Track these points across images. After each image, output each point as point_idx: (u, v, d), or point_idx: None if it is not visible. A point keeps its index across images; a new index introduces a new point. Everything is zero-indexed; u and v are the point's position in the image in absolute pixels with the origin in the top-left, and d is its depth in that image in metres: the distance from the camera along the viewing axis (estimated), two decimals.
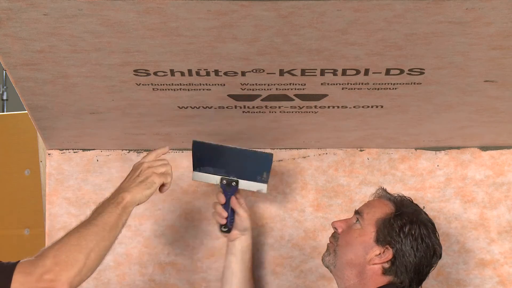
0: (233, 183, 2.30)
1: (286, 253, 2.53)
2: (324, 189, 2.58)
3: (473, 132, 2.44)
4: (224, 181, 2.30)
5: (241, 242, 2.36)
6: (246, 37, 1.75)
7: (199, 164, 2.33)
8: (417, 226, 2.17)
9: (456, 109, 2.23)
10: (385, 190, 2.28)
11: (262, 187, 2.32)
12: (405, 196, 2.26)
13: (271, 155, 2.32)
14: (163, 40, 1.76)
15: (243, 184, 2.31)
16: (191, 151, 2.38)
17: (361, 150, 2.58)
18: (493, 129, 2.42)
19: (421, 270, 2.17)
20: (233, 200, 2.31)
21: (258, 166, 2.31)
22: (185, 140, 2.48)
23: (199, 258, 2.56)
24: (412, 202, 2.26)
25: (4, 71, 4.77)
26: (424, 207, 2.49)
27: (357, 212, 2.23)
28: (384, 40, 1.77)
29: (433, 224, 2.22)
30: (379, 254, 2.15)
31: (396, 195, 2.25)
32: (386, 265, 2.15)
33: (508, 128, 2.41)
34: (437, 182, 2.57)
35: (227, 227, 2.33)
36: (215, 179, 2.31)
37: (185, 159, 2.56)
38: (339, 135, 2.48)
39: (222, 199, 2.31)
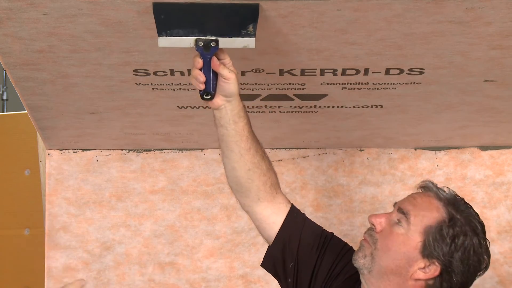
0: (212, 43, 1.81)
1: None
2: (324, 189, 2.58)
3: (473, 132, 2.44)
4: (201, 42, 1.82)
5: (228, 110, 1.88)
6: None
7: (165, 28, 1.80)
8: (469, 238, 1.86)
9: (456, 109, 2.23)
10: (434, 185, 1.95)
11: (248, 42, 1.80)
12: (455, 193, 1.94)
13: (257, 5, 1.78)
14: None
15: (225, 41, 1.81)
16: (191, 151, 2.38)
17: (361, 150, 2.59)
18: (493, 129, 2.42)
19: (468, 284, 1.88)
20: (213, 61, 1.83)
21: (242, 19, 1.81)
22: (185, 140, 2.48)
23: (199, 258, 2.56)
24: (464, 201, 1.94)
25: (4, 71, 4.77)
26: None
27: (400, 210, 1.89)
28: (384, 40, 1.77)
29: (483, 228, 1.91)
30: (424, 267, 1.84)
31: (445, 191, 1.93)
32: (431, 282, 1.85)
33: (507, 128, 2.41)
34: (437, 182, 2.56)
35: (209, 93, 1.87)
36: (189, 41, 1.82)
37: (185, 159, 2.56)
38: (339, 135, 2.48)
39: (199, 62, 1.83)
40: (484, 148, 2.58)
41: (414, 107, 2.21)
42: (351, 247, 2.03)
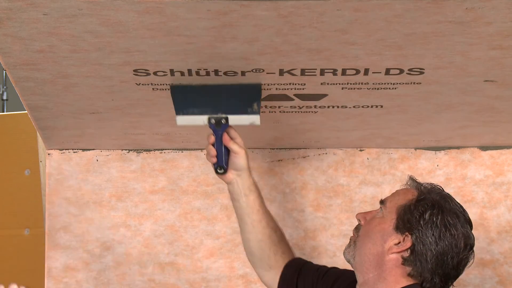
0: (223, 120, 2.09)
1: None
2: (324, 189, 2.58)
3: (473, 132, 2.44)
4: (213, 120, 2.09)
5: (239, 184, 2.14)
6: (246, 37, 1.75)
7: (182, 107, 2.10)
8: (440, 212, 1.97)
9: (456, 109, 2.23)
10: (413, 179, 2.09)
11: (254, 119, 2.08)
12: (436, 185, 2.06)
13: (259, 84, 2.07)
14: (163, 40, 1.76)
15: (234, 119, 2.09)
16: (191, 151, 2.38)
17: (361, 150, 2.59)
18: (493, 129, 2.42)
19: (445, 261, 1.96)
20: (224, 136, 2.09)
21: (247, 98, 2.08)
22: (185, 140, 2.48)
23: (199, 258, 2.56)
24: (443, 190, 2.06)
25: (4, 71, 4.77)
26: None
27: (381, 202, 2.05)
28: (384, 40, 1.77)
29: (464, 214, 2.02)
30: (399, 243, 1.96)
31: (426, 183, 2.07)
32: (406, 254, 1.96)
33: (507, 128, 2.41)
34: (437, 182, 2.56)
35: (222, 167, 2.12)
36: (202, 119, 2.09)
37: (185, 159, 2.56)
38: (339, 135, 2.48)
39: (211, 138, 2.11)
40: (484, 148, 2.58)
41: (414, 107, 2.21)
42: (344, 271, 2.20)
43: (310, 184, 2.57)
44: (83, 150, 2.56)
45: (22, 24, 1.69)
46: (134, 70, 1.94)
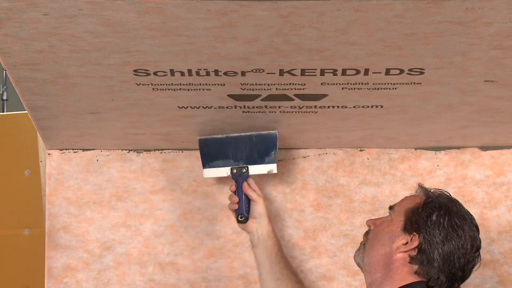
0: (244, 170, 2.34)
1: (286, 253, 2.53)
2: (324, 189, 2.58)
3: (473, 132, 2.44)
4: (235, 170, 2.34)
5: (258, 230, 2.33)
6: (246, 37, 1.75)
7: (207, 160, 2.38)
8: (447, 214, 2.02)
9: (456, 109, 2.23)
10: (422, 186, 2.14)
11: (272, 167, 2.35)
12: (445, 191, 2.12)
13: (275, 133, 2.34)
14: (163, 40, 1.76)
15: (253, 168, 2.35)
16: (191, 151, 2.38)
17: (361, 150, 2.58)
18: (493, 129, 2.42)
19: (452, 262, 2.00)
20: (244, 186, 2.33)
21: (265, 147, 2.34)
22: (185, 140, 2.48)
23: (199, 258, 2.56)
24: (450, 196, 2.12)
25: (4, 71, 4.77)
26: None
27: (390, 207, 2.13)
28: (384, 40, 1.77)
29: (471, 218, 2.07)
30: (406, 243, 2.02)
31: (435, 189, 2.13)
32: (413, 253, 2.01)
33: (508, 128, 2.41)
34: (437, 182, 2.57)
35: (243, 215, 2.33)
36: (225, 171, 2.36)
37: (185, 159, 2.56)
38: (339, 135, 2.48)
39: (234, 186, 2.34)
40: (484, 148, 2.58)
41: (414, 107, 2.21)
42: None
43: (310, 184, 2.57)
44: (83, 150, 2.56)
45: (22, 24, 1.69)
46: (134, 70, 1.94)
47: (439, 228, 2.01)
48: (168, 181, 2.57)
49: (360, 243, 2.14)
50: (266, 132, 2.35)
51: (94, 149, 2.56)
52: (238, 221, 2.34)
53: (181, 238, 2.56)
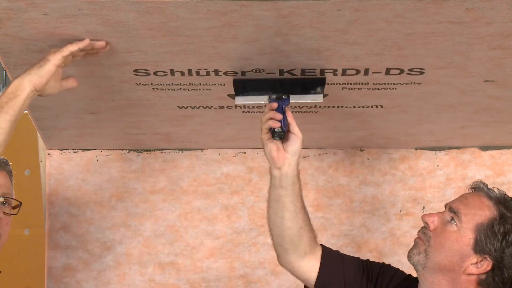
0: (284, 96, 2.00)
1: None
2: (324, 189, 2.58)
3: (473, 132, 2.44)
4: (274, 96, 2.01)
5: (289, 170, 2.03)
6: (246, 37, 1.75)
7: (242, 91, 2.03)
8: None
9: (456, 109, 2.23)
10: (485, 185, 2.02)
11: (316, 97, 2.02)
12: (505, 194, 2.00)
13: (324, 78, 2.00)
14: (163, 40, 1.76)
15: (295, 97, 2.02)
16: (191, 151, 2.37)
17: (361, 150, 2.59)
18: (493, 129, 2.42)
19: None
20: (288, 113, 2.01)
21: (311, 85, 2.02)
22: (185, 140, 2.48)
23: (199, 258, 2.56)
24: None
25: (4, 71, 4.77)
26: (424, 207, 2.49)
27: (452, 210, 1.97)
28: (384, 40, 1.77)
29: None
30: (476, 263, 1.92)
31: (496, 191, 2.00)
32: (483, 276, 1.93)
33: (508, 128, 2.41)
34: (437, 182, 2.57)
35: (283, 130, 1.99)
36: (263, 98, 2.03)
37: (185, 159, 2.56)
38: (339, 135, 2.48)
39: (275, 105, 1.99)
40: (484, 148, 2.58)
41: (414, 107, 2.21)
42: (385, 264, 2.14)
43: (310, 184, 2.57)
44: (83, 150, 2.56)
45: (22, 24, 1.69)
46: (134, 70, 1.94)
47: None
48: (168, 181, 2.57)
49: (418, 243, 1.99)
50: (314, 76, 2.01)
51: (94, 149, 2.56)
52: (275, 138, 2.00)
53: (181, 238, 2.56)
